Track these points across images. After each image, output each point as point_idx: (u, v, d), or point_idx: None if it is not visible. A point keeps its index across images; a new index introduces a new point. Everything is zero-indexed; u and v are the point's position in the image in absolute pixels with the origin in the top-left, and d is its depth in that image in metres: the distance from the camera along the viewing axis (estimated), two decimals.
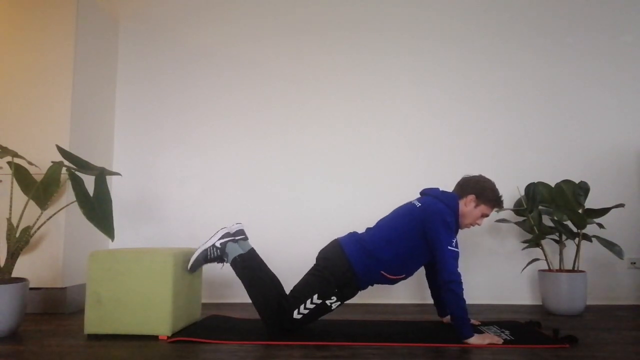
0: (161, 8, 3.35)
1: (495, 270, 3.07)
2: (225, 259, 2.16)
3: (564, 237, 2.80)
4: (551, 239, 2.84)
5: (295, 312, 2.04)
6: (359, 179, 3.16)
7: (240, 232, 2.27)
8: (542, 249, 2.79)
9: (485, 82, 3.22)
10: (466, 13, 3.27)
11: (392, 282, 2.18)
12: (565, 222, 2.76)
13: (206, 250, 2.15)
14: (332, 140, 3.20)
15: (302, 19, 3.30)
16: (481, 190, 2.17)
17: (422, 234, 2.08)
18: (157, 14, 3.35)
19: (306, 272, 2.17)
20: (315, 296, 2.05)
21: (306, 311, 2.05)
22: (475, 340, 1.93)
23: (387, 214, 2.28)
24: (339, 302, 2.11)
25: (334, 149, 3.20)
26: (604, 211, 2.68)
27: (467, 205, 2.17)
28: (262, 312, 2.09)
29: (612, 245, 2.61)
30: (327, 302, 2.07)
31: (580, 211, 2.73)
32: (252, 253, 2.22)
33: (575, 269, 2.76)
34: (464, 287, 1.99)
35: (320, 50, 3.27)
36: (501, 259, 3.09)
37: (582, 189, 2.75)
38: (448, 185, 2.35)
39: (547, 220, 2.89)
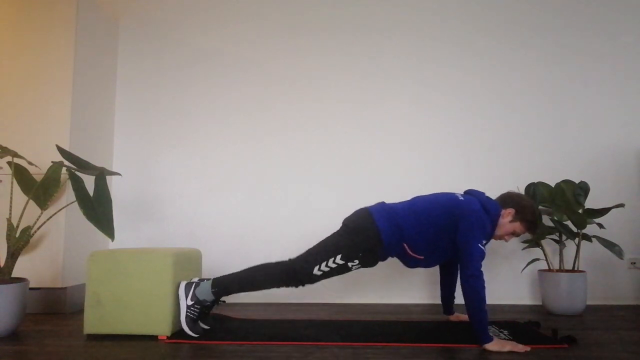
0: (161, 8, 3.35)
1: (495, 270, 3.07)
2: (209, 303, 2.10)
3: (564, 237, 2.80)
4: (551, 239, 2.84)
5: (316, 268, 2.07)
6: (360, 179, 3.16)
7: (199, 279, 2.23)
8: (542, 249, 2.79)
9: (485, 82, 3.22)
10: (466, 13, 3.27)
11: (410, 261, 2.19)
12: (565, 222, 2.76)
13: (187, 316, 2.05)
14: (332, 140, 3.20)
15: (302, 20, 3.30)
16: (522, 207, 2.20)
17: (453, 227, 2.08)
18: (157, 14, 3.35)
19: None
20: (339, 257, 2.08)
21: (327, 269, 2.08)
22: (494, 346, 1.84)
23: (425, 194, 2.31)
24: (359, 266, 2.13)
25: (334, 149, 3.20)
26: (604, 211, 2.68)
27: (505, 217, 2.19)
28: (276, 282, 2.11)
29: (612, 245, 2.61)
30: (349, 264, 2.10)
31: (580, 211, 2.73)
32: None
33: (575, 269, 2.75)
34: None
35: (320, 51, 3.27)
36: (501, 259, 3.09)
37: (582, 189, 2.75)
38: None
39: (547, 220, 2.89)
